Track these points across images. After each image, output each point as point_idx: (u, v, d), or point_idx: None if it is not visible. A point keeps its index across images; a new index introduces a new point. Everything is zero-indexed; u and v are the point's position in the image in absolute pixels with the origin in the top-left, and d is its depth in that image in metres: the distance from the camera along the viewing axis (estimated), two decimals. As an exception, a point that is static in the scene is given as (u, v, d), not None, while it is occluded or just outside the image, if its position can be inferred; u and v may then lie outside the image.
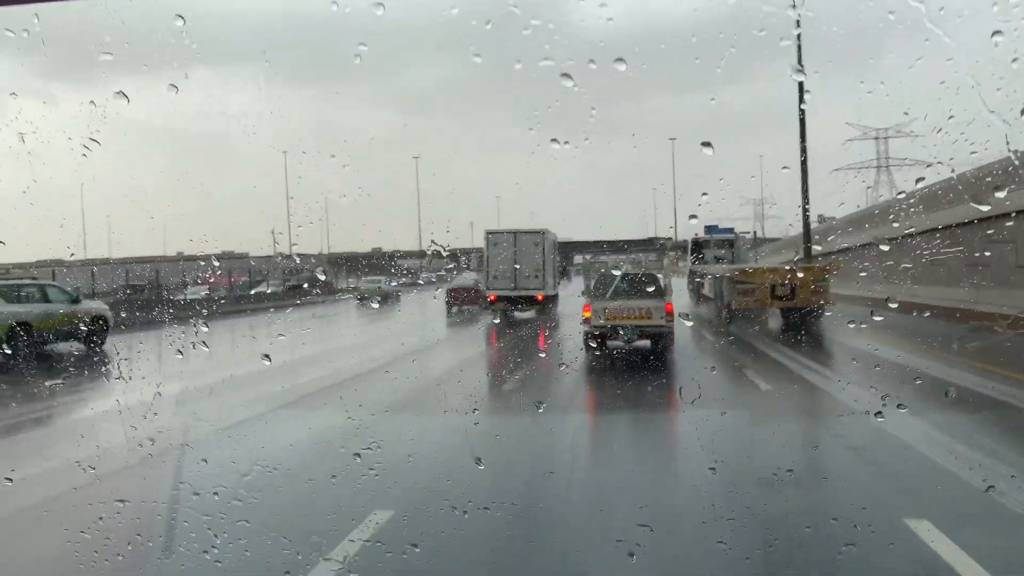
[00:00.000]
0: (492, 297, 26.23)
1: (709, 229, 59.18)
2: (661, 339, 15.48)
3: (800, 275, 21.19)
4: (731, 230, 68.13)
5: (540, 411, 8.56)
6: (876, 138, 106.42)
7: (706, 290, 28.73)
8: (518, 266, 25.83)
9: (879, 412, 6.82)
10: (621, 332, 15.39)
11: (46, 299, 18.37)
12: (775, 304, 21.13)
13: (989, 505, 5.44)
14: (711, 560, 4.71)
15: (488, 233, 26.44)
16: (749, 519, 5.16)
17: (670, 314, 15.45)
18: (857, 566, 4.48)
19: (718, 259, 32.95)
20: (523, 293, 25.72)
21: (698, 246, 36.37)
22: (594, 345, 15.41)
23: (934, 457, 6.72)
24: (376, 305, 34.31)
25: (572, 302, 34.10)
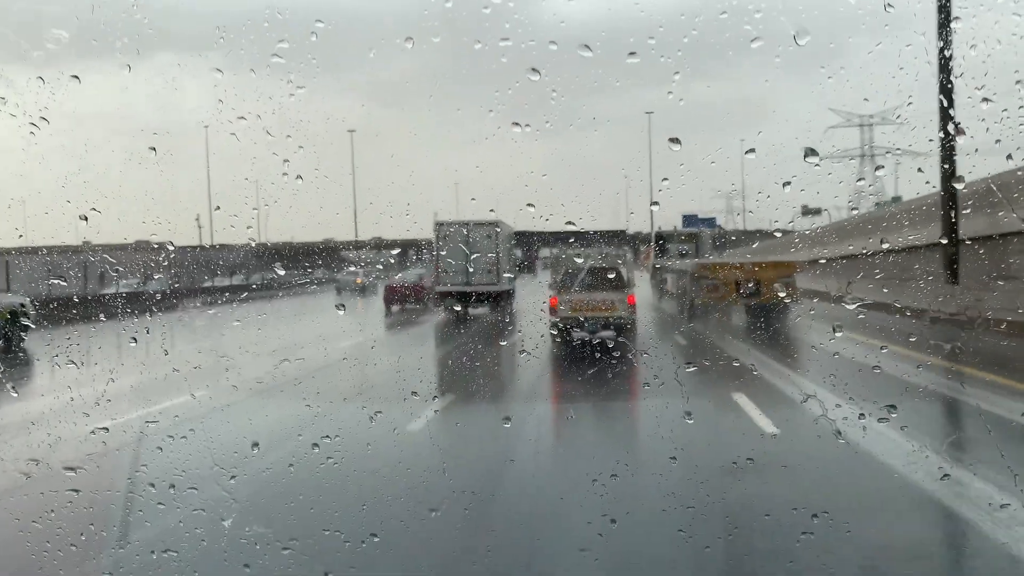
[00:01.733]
0: (441, 293, 25.81)
1: (688, 219, 59.19)
2: (623, 329, 16.45)
3: (764, 271, 21.73)
4: (713, 220, 68.86)
5: (507, 426, 8.49)
6: (860, 125, 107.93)
7: (669, 285, 29.29)
8: (470, 260, 25.52)
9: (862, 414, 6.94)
10: (585, 323, 16.33)
11: None
12: (739, 300, 21.33)
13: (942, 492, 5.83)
14: (672, 548, 4.87)
15: (438, 224, 26.08)
16: (709, 507, 5.34)
17: (632, 305, 16.64)
18: (816, 554, 4.66)
19: (682, 254, 33.68)
20: (476, 289, 25.48)
21: (662, 240, 36.96)
22: (559, 334, 16.43)
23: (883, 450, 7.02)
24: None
25: (532, 298, 33.52)
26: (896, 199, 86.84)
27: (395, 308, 30.99)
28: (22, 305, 18.33)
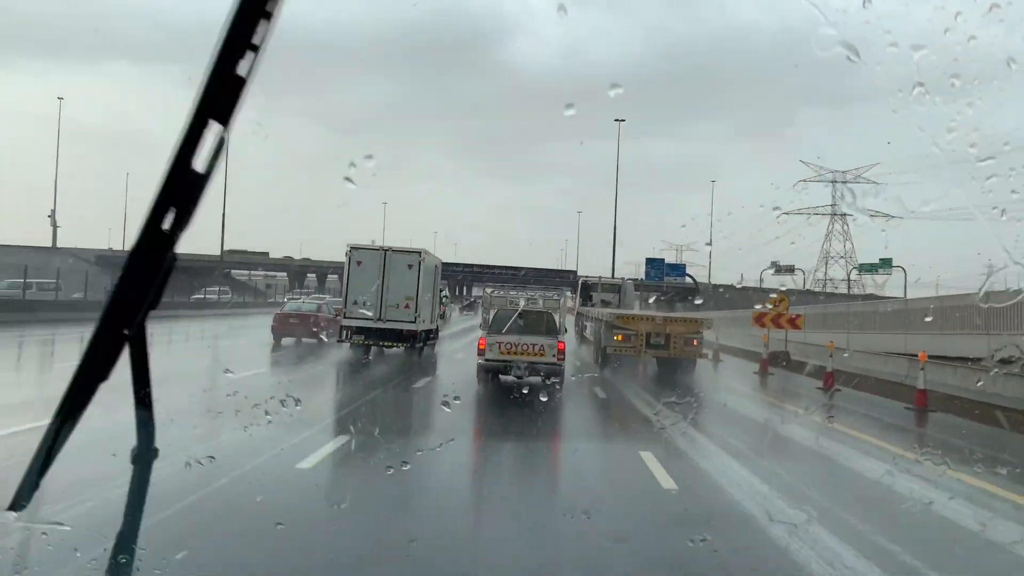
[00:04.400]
0: (346, 328, 22.25)
1: (651, 263, 59.87)
2: (552, 376, 16.69)
3: (674, 325, 23.18)
4: (682, 267, 70.15)
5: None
6: (833, 181, 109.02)
7: (588, 332, 31.30)
8: (385, 292, 22.07)
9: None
10: (512, 367, 16.55)
11: None
12: (649, 352, 22.87)
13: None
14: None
15: (351, 248, 22.83)
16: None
17: (562, 352, 16.80)
18: None
19: (605, 303, 34.50)
20: (388, 326, 22.07)
21: (587, 288, 38.44)
22: (486, 378, 16.95)
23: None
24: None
25: (460, 341, 32.49)
26: (886, 261, 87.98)
27: (286, 341, 28.27)
28: None
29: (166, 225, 1.90)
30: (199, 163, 1.89)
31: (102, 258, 64.26)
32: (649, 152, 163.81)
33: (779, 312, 27.09)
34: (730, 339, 33.93)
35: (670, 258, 70.14)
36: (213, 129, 1.86)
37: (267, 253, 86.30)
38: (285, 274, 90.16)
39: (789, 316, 27.20)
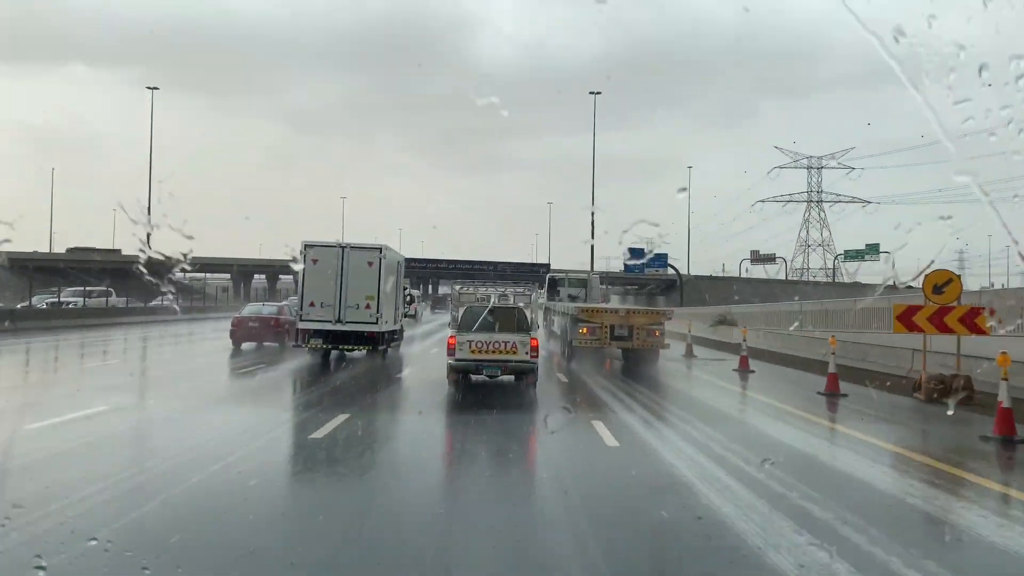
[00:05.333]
0: (303, 331, 20.95)
1: (634, 252, 59.58)
2: (526, 375, 16.44)
3: (637, 317, 24.07)
4: (665, 256, 70.95)
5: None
6: (808, 168, 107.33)
7: (555, 327, 31.92)
8: (344, 291, 20.76)
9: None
10: (484, 366, 16.20)
11: None
12: (614, 344, 23.71)
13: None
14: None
15: (306, 246, 21.49)
16: None
17: (535, 349, 16.38)
18: None
19: (572, 297, 35.17)
20: (348, 328, 20.76)
21: (554, 284, 38.87)
22: (456, 379, 16.51)
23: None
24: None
25: (428, 342, 30.84)
26: (873, 247, 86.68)
27: (244, 345, 27.77)
28: None
29: None
30: None
31: (16, 261, 60.47)
32: (613, 146, 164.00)
33: (944, 303, 15.86)
34: (759, 340, 29.38)
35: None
36: None
37: (119, 250, 75.89)
38: (228, 275, 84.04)
39: (964, 310, 15.78)
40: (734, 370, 22.85)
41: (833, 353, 17.70)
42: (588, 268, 58.85)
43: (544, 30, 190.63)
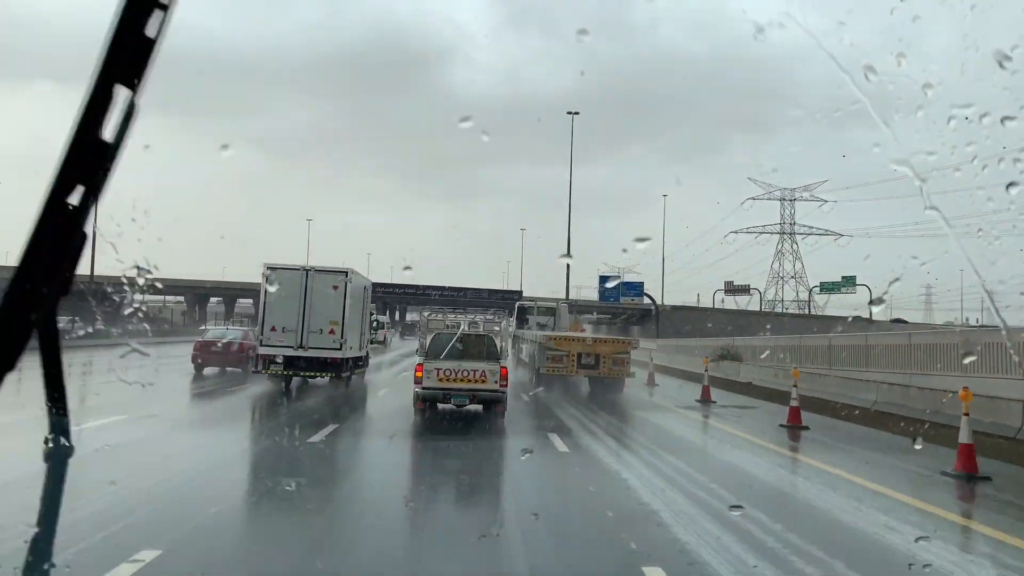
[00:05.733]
0: (263, 356, 20.61)
1: (604, 279, 59.62)
2: (494, 404, 16.26)
3: (603, 346, 24.64)
4: (640, 285, 71.79)
5: None
6: (781, 200, 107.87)
7: (523, 355, 32.07)
8: (306, 316, 20.43)
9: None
10: (452, 395, 16.00)
11: None
12: (580, 372, 24.03)
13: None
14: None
15: (268, 268, 21.15)
16: None
17: (504, 378, 16.24)
18: None
19: (541, 325, 35.52)
20: (311, 354, 20.44)
21: (523, 312, 39.18)
22: (424, 407, 16.29)
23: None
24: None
25: (395, 368, 31.35)
26: (850, 279, 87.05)
27: (206, 371, 27.26)
28: None
29: (74, 200, 1.69)
30: (107, 132, 1.69)
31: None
32: (586, 177, 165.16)
33: None
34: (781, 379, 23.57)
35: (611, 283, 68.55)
36: (121, 95, 1.69)
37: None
38: (182, 299, 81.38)
39: None
40: (781, 425, 17.26)
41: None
42: (560, 296, 58.87)
43: (517, 62, 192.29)
